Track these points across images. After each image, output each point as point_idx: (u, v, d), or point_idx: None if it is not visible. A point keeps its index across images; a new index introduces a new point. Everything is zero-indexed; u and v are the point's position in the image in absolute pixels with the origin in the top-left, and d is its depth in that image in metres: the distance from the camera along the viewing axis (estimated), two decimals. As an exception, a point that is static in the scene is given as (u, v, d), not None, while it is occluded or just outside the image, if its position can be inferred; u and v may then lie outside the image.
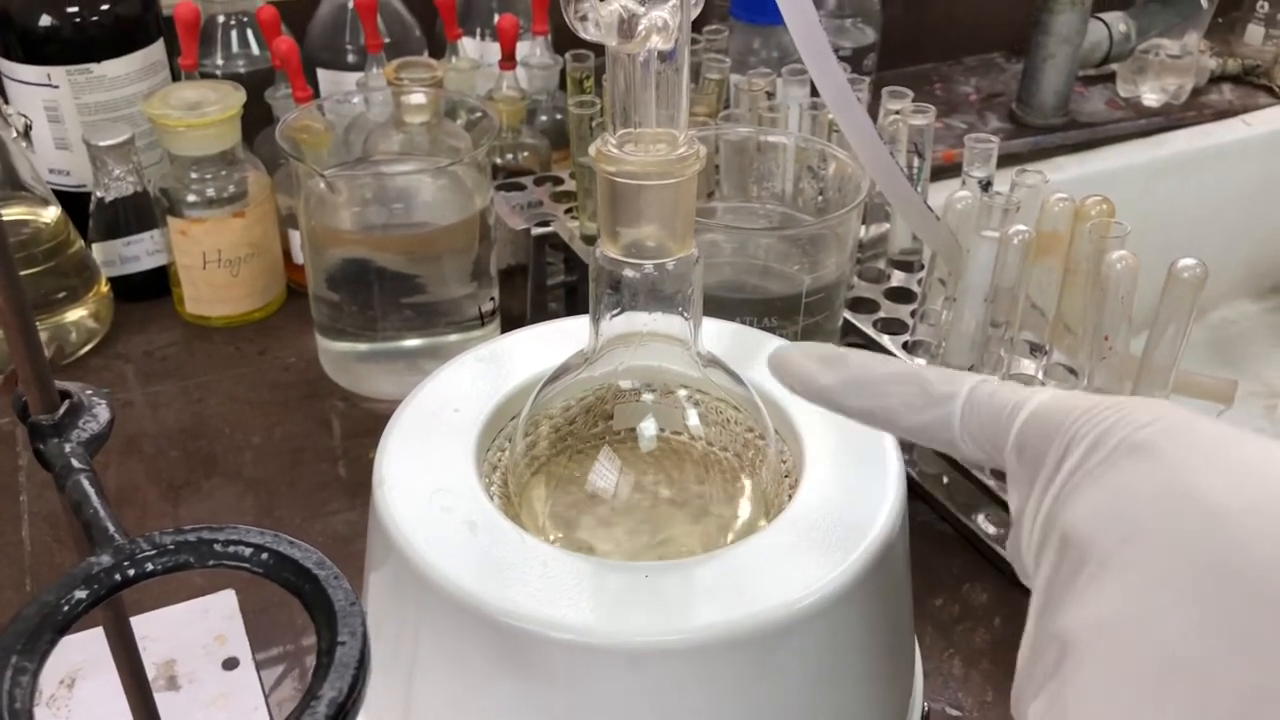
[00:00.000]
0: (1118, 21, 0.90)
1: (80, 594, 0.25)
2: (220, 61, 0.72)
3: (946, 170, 0.83)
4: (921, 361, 0.53)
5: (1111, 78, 0.97)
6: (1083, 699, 0.24)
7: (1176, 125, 0.92)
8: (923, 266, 0.61)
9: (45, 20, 0.65)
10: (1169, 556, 0.23)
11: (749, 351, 0.40)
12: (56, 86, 0.66)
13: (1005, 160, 0.86)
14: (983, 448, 0.28)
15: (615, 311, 0.34)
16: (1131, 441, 0.25)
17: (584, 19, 0.28)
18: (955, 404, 0.28)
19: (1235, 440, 0.24)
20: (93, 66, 0.66)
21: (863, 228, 0.61)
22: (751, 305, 0.51)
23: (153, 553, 0.25)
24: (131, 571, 0.25)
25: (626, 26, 0.28)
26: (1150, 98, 0.94)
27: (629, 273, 0.33)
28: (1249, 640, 0.22)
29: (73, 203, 0.68)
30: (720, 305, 0.51)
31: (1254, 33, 1.02)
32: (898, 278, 0.61)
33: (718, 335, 0.41)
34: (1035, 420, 0.27)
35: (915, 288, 0.59)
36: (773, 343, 0.41)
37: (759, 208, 0.57)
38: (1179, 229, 0.90)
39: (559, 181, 0.68)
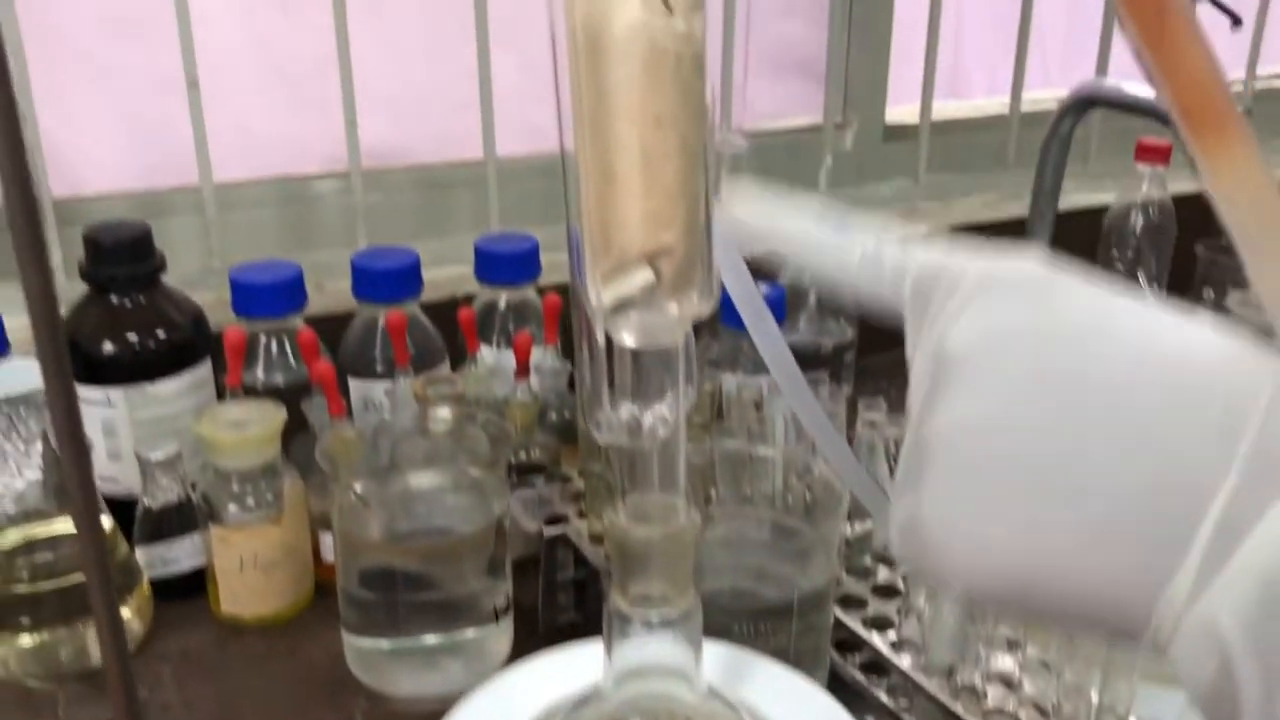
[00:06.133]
0: (1075, 314, 0.98)
1: None
2: (261, 375, 0.79)
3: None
4: (907, 659, 0.58)
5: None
6: (935, 497, 0.27)
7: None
8: (905, 561, 0.66)
9: (109, 347, 0.73)
10: (1027, 365, 0.27)
11: (742, 676, 0.45)
12: (114, 405, 0.73)
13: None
14: (883, 301, 0.34)
15: (625, 651, 0.39)
16: (1005, 279, 0.30)
17: (598, 426, 0.34)
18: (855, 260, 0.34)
19: (1087, 282, 0.29)
20: (147, 385, 0.74)
21: (848, 525, 0.67)
22: (748, 614, 0.56)
23: None
24: None
25: (635, 429, 0.35)
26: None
27: (637, 620, 0.38)
28: (1088, 441, 0.26)
29: (119, 507, 0.73)
30: (721, 612, 0.56)
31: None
32: (884, 574, 0.66)
33: (714, 659, 0.46)
34: (925, 270, 0.32)
35: (900, 583, 0.64)
36: (764, 664, 0.46)
37: (752, 513, 0.63)
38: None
39: (568, 480, 0.74)
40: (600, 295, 0.33)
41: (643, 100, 0.31)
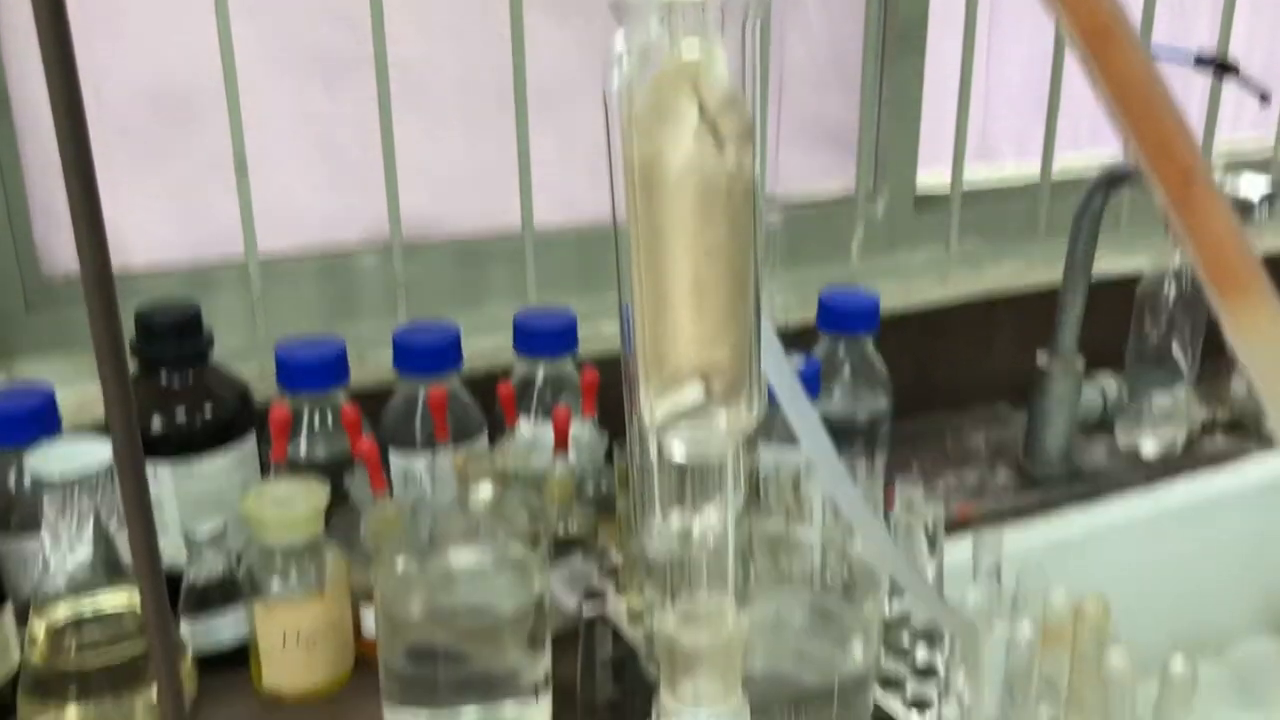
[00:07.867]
0: (1109, 382, 0.98)
1: None
2: (304, 448, 0.81)
3: (962, 526, 0.90)
4: (947, 744, 0.58)
5: (1112, 427, 1.05)
6: None
7: (1175, 474, 0.99)
8: (943, 636, 0.66)
9: (157, 424, 0.75)
10: None
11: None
12: (160, 481, 0.75)
13: (1017, 514, 0.93)
14: None
15: (675, 751, 0.39)
16: None
17: (650, 535, 0.35)
18: None
19: None
20: (194, 461, 0.75)
21: (886, 604, 0.67)
22: (788, 698, 0.56)
23: None
24: None
25: (685, 537, 0.35)
26: (1148, 447, 1.02)
27: (686, 718, 0.39)
28: None
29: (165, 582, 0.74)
30: (761, 696, 0.56)
31: (1239, 384, 1.11)
32: (923, 654, 0.66)
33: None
34: None
35: (939, 662, 0.64)
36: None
37: (790, 593, 0.63)
38: (1190, 572, 0.96)
39: (605, 554, 0.74)
40: (653, 411, 0.34)
41: (696, 233, 0.32)
